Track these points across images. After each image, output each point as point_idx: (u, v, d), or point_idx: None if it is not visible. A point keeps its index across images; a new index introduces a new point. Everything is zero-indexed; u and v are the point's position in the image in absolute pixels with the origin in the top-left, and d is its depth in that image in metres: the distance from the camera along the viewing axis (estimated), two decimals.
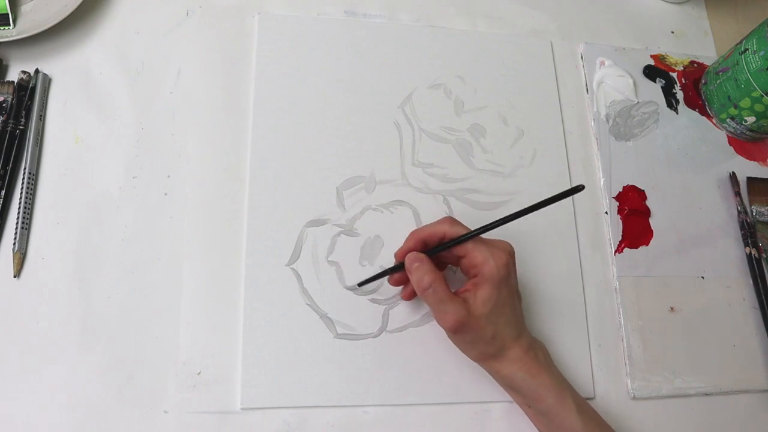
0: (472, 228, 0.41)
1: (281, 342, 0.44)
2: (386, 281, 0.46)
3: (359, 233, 0.48)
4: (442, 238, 0.42)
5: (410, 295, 0.45)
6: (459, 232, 0.41)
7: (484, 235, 0.41)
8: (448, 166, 0.52)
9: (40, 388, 0.41)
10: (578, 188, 0.36)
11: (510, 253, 0.41)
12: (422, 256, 0.41)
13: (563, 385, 0.41)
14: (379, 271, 0.45)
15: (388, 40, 0.55)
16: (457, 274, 0.48)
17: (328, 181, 0.49)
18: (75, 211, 0.46)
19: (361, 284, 0.46)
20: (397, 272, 0.44)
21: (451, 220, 0.42)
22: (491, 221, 0.40)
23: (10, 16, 0.48)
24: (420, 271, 0.40)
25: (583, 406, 0.41)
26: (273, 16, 0.54)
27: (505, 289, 0.41)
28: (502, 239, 0.42)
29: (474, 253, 0.40)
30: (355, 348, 0.45)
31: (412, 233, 0.43)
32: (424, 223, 0.49)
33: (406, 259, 0.42)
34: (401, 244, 0.44)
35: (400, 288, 0.47)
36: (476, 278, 0.41)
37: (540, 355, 0.42)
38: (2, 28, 0.48)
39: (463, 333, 0.40)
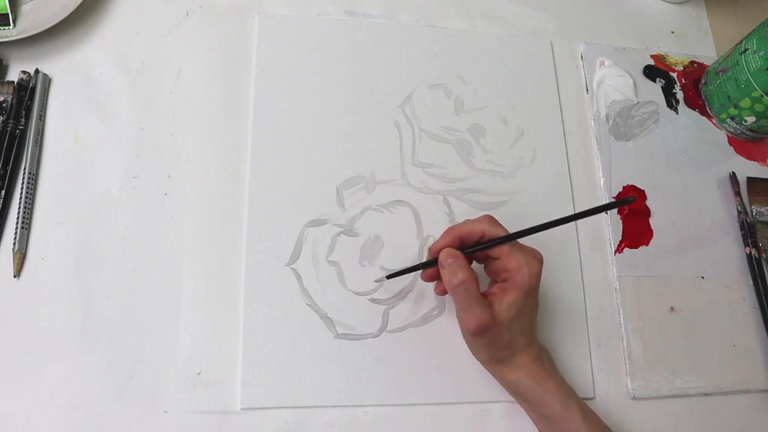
0: (510, 230, 0.41)
1: (281, 342, 0.44)
2: (381, 279, 0.46)
3: (359, 233, 0.48)
4: (480, 237, 0.41)
5: (444, 291, 0.44)
6: (498, 232, 0.41)
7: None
8: (448, 166, 0.52)
9: (40, 388, 0.41)
10: (629, 200, 0.37)
11: (542, 263, 0.41)
12: (457, 252, 0.41)
13: (568, 391, 0.41)
14: (400, 267, 0.45)
15: (388, 40, 0.55)
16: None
17: (328, 181, 0.49)
18: (75, 211, 0.46)
19: (389, 277, 0.45)
20: (430, 267, 0.43)
21: (490, 219, 0.42)
22: (531, 226, 0.40)
23: (10, 16, 0.48)
24: (453, 266, 0.40)
25: (588, 412, 0.41)
26: (273, 16, 0.54)
27: (530, 299, 0.40)
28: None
29: (510, 258, 0.40)
30: (355, 348, 0.45)
31: (449, 230, 0.42)
32: (424, 223, 0.49)
33: (441, 254, 0.41)
34: (401, 244, 0.43)
35: (400, 288, 0.47)
36: (505, 283, 0.40)
37: (546, 362, 0.42)
38: (2, 28, 0.48)
39: (482, 336, 0.40)
